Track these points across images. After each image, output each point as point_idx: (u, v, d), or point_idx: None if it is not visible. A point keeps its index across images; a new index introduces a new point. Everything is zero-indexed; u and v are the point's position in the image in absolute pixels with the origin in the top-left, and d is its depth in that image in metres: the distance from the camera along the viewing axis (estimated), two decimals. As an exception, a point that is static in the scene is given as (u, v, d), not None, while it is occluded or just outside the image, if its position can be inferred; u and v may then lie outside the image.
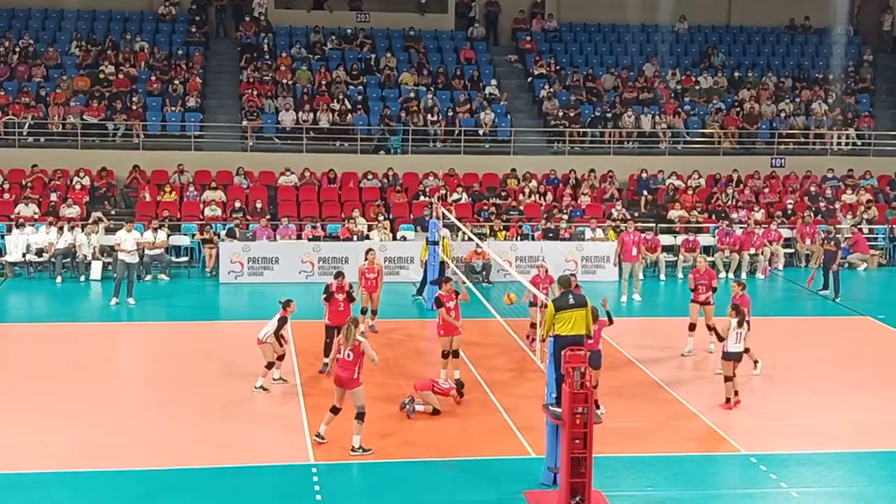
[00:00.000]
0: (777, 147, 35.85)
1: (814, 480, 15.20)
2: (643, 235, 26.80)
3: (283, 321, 18.39)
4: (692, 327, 21.11)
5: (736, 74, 38.56)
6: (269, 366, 18.37)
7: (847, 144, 36.62)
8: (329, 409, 16.03)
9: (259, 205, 30.10)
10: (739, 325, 17.83)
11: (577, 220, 30.54)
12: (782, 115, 36.82)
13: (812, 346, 22.37)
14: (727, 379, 18.04)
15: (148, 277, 27.22)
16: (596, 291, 20.05)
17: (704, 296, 20.96)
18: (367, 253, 22.40)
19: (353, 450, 15.71)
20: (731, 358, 17.94)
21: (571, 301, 14.75)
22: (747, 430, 17.01)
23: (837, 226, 30.43)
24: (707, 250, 29.56)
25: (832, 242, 26.98)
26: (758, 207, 31.90)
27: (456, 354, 18.99)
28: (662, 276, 28.84)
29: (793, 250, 30.75)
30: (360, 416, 15.63)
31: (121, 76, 34.62)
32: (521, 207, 31.43)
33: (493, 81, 36.59)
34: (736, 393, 18.08)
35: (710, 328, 19.94)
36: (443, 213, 25.08)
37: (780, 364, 20.88)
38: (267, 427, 16.92)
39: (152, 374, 19.73)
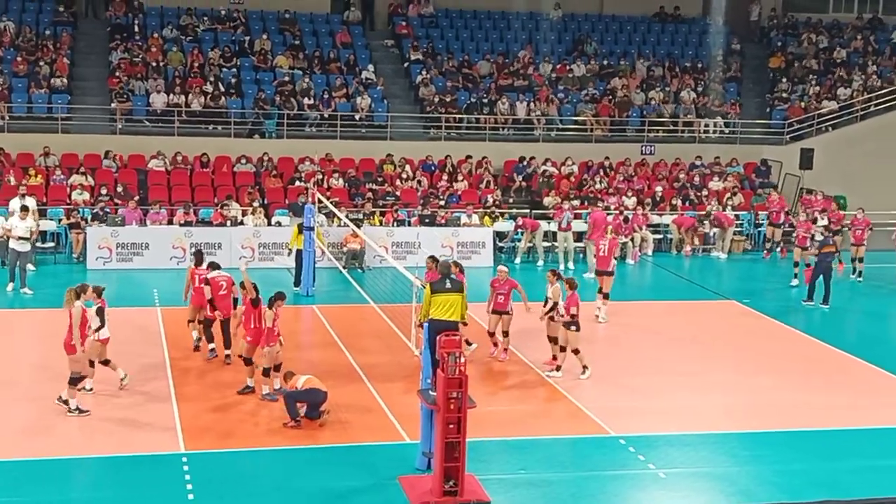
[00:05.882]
0: (647, 135, 36.55)
1: (681, 461, 15.57)
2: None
3: (100, 311, 17.28)
4: (491, 335, 19.94)
5: (607, 62, 39.14)
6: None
7: (715, 132, 37.53)
8: None
9: (125, 189, 29.39)
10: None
11: (453, 206, 30.66)
12: (652, 103, 37.52)
13: (680, 330, 22.89)
14: (562, 348, 19.16)
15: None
16: (471, 277, 20.08)
17: (502, 304, 19.57)
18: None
19: (61, 401, 16.45)
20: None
21: (448, 285, 14.99)
22: (617, 412, 17.32)
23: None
24: (580, 237, 29.96)
25: (830, 245, 24.95)
26: (630, 194, 32.47)
27: (277, 369, 17.37)
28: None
29: (661, 236, 31.42)
30: (72, 381, 16.39)
31: (-16, 56, 33.49)
32: (398, 193, 31.41)
33: (370, 66, 36.43)
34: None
35: (505, 334, 19.75)
36: (318, 199, 24.84)
37: (649, 347, 21.37)
38: (136, 416, 16.55)
39: (16, 363, 19.14)
